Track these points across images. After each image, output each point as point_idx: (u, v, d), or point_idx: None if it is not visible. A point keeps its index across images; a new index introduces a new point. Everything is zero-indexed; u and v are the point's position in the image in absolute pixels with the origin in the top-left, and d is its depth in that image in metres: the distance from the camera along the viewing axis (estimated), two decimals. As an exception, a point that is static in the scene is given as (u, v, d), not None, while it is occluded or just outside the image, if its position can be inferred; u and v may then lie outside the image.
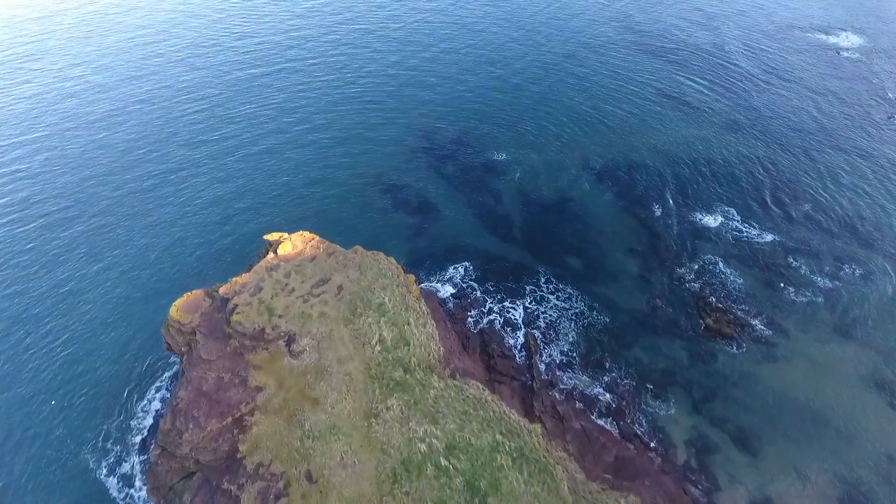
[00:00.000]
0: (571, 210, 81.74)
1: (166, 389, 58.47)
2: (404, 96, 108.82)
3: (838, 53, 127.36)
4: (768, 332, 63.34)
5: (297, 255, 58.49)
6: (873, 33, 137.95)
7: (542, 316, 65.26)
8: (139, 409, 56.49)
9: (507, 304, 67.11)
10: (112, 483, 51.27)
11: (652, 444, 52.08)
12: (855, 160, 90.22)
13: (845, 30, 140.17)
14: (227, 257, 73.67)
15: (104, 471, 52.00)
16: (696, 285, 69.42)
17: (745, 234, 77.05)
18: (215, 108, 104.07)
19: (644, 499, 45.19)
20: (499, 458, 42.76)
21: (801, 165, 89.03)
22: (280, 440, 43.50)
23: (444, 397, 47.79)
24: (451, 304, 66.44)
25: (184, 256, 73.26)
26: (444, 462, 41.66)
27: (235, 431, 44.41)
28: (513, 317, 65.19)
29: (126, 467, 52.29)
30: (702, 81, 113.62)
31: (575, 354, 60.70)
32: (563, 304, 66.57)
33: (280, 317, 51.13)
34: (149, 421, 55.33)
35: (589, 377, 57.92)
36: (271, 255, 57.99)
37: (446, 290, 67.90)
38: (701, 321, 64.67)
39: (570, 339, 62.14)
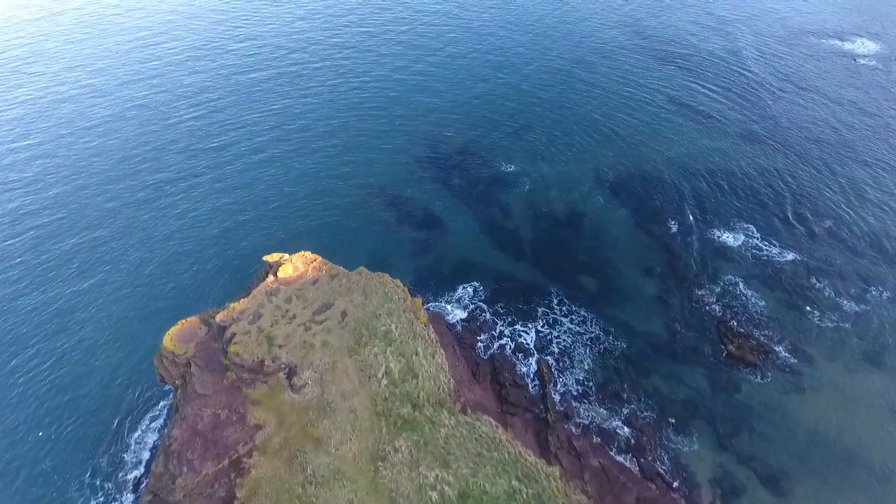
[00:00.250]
0: (583, 225, 78.94)
1: (162, 419, 55.60)
2: (410, 102, 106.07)
3: (854, 60, 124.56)
4: (793, 360, 60.51)
5: (298, 278, 55.68)
6: (889, 39, 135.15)
7: (555, 341, 62.44)
8: (132, 440, 53.68)
9: (518, 327, 64.31)
10: (100, 525, 48.58)
11: (675, 484, 49.26)
12: (879, 174, 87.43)
13: (860, 35, 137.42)
14: (225, 274, 70.91)
15: (92, 511, 49.29)
16: (716, 308, 66.60)
17: (765, 252, 74.24)
18: (214, 114, 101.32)
19: (670, 549, 42.43)
20: (516, 507, 40.00)
21: (822, 179, 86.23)
22: (280, 486, 40.66)
23: (455, 436, 44.97)
24: (459, 328, 63.63)
25: (180, 273, 70.45)
26: (457, 512, 38.88)
27: (233, 475, 41.58)
28: (524, 341, 62.38)
29: (116, 507, 49.55)
30: (715, 88, 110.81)
31: (591, 384, 57.86)
32: (578, 328, 63.75)
33: (280, 347, 48.31)
34: (144, 455, 52.50)
35: (606, 409, 55.09)
36: (271, 278, 55.15)
37: (455, 312, 65.11)
38: (722, 347, 61.83)
39: (586, 367, 59.32)
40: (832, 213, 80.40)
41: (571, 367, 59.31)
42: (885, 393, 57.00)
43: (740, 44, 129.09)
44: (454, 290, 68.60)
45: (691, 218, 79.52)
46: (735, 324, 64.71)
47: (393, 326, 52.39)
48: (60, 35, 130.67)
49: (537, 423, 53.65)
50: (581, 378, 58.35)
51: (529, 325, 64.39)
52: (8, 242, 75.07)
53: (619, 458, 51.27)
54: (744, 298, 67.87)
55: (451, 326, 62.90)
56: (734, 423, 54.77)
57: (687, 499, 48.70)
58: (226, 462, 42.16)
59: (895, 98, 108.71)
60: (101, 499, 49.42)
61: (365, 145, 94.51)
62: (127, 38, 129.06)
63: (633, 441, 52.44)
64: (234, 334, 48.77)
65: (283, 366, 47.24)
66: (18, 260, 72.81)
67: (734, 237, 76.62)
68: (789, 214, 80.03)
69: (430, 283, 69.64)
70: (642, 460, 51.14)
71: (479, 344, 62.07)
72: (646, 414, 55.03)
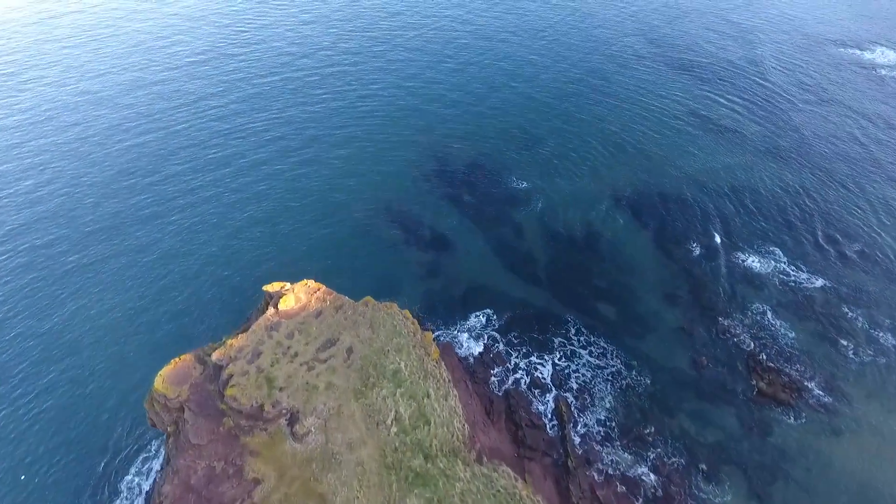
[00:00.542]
0: (600, 247, 75.97)
1: (156, 462, 52.47)
2: (417, 112, 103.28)
3: (875, 71, 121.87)
4: (828, 399, 57.43)
5: (300, 311, 52.64)
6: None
7: (573, 375, 59.36)
8: (123, 486, 50.67)
9: (533, 359, 61.28)
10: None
11: (707, 540, 46.10)
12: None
13: (879, 44, 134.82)
14: (223, 296, 67.83)
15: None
16: (744, 339, 63.53)
17: (793, 278, 71.22)
18: (215, 123, 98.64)
19: None
20: (540, 577, 36.86)
21: (850, 198, 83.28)
22: (281, 551, 37.55)
23: (471, 492, 41.85)
24: (471, 359, 60.53)
25: (175, 298, 67.42)
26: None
27: (228, 538, 38.45)
28: (541, 375, 59.30)
29: (102, 559, 46.44)
30: (735, 99, 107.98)
31: (613, 424, 54.76)
32: (597, 361, 60.66)
33: (281, 390, 45.25)
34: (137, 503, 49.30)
35: (631, 454, 51.96)
36: (271, 310, 52.10)
37: (466, 343, 62.07)
38: (752, 383, 58.72)
39: (607, 405, 56.21)
40: (863, 235, 77.38)
41: (592, 406, 56.20)
42: (929, 437, 53.91)
43: (758, 52, 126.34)
44: (465, 318, 65.54)
45: (714, 240, 76.51)
46: (764, 357, 61.64)
47: (402, 364, 49.36)
48: (57, 41, 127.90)
49: (557, 470, 50.57)
50: (602, 418, 55.25)
51: (546, 358, 61.32)
52: (-7, 261, 72.11)
53: (646, 510, 48.14)
54: (772, 329, 64.80)
55: (462, 359, 59.83)
56: (768, 469, 51.62)
57: (720, 556, 45.58)
58: (221, 522, 39.06)
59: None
60: (87, 555, 46.31)
61: (371, 157, 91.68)
62: (127, 42, 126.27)
63: (660, 491, 49.32)
64: (231, 375, 45.72)
65: (284, 411, 44.19)
66: (4, 280, 69.77)
67: (760, 261, 73.59)
68: (817, 236, 77.02)
69: (440, 310, 66.61)
70: (671, 512, 48.01)
71: (493, 378, 58.97)
72: (673, 459, 51.91)
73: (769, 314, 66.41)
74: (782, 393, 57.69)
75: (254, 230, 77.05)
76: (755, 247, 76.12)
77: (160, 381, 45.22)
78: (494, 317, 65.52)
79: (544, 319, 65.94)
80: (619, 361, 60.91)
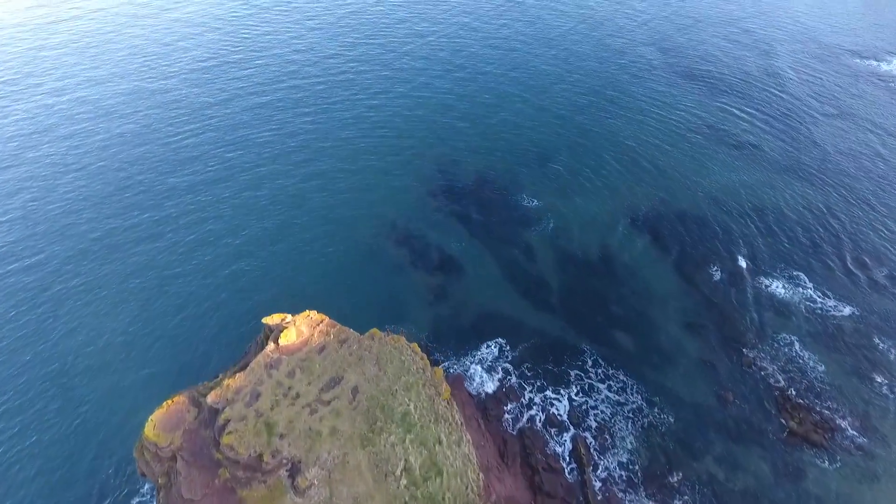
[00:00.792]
0: (615, 270, 73.27)
1: (141, 507, 49.61)
2: (424, 124, 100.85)
3: (895, 83, 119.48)
4: (863, 440, 54.65)
5: (302, 346, 49.88)
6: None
7: (591, 412, 56.56)
8: (107, 535, 47.60)
9: (549, 393, 58.49)
10: None
11: None
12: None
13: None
14: (222, 322, 64.95)
15: None
16: (771, 372, 60.77)
17: (819, 304, 68.52)
18: (214, 133, 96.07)
19: None
20: None
21: (878, 218, 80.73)
22: None
23: (488, 553, 38.97)
24: (483, 394, 57.72)
25: (170, 327, 64.59)
26: None
27: None
28: (557, 412, 56.51)
29: None
30: (752, 112, 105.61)
31: (636, 468, 51.93)
32: (617, 397, 57.87)
33: (282, 437, 42.43)
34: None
35: (656, 502, 49.01)
36: (271, 345, 49.33)
37: (478, 377, 59.26)
38: (782, 422, 55.89)
39: (629, 446, 53.39)
40: (892, 258, 74.81)
41: (613, 447, 53.38)
42: (974, 484, 51.10)
43: (774, 62, 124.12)
44: (476, 347, 62.76)
45: (736, 263, 73.88)
46: (794, 392, 58.87)
47: (412, 406, 46.62)
48: (54, 50, 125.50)
49: (577, 520, 47.69)
50: (625, 460, 52.44)
51: (562, 392, 58.53)
52: (-22, 283, 69.34)
53: (674, 566, 45.27)
54: (801, 361, 62.06)
55: (473, 395, 57.03)
56: (803, 519, 48.80)
57: None
58: (216, 590, 36.19)
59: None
60: None
61: (376, 171, 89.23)
62: (127, 49, 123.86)
63: (689, 544, 46.44)
64: (227, 420, 42.92)
65: (284, 461, 41.36)
66: (-12, 305, 67.04)
67: (784, 287, 70.91)
68: (844, 260, 74.40)
69: (450, 339, 63.84)
70: (701, 569, 45.13)
71: (506, 415, 56.12)
72: (701, 508, 49.06)
73: (797, 345, 63.67)
74: (814, 433, 54.91)
75: (254, 250, 74.35)
76: (779, 271, 73.45)
77: (151, 428, 42.40)
78: (507, 347, 62.74)
79: (559, 349, 63.20)
80: (639, 397, 58.12)
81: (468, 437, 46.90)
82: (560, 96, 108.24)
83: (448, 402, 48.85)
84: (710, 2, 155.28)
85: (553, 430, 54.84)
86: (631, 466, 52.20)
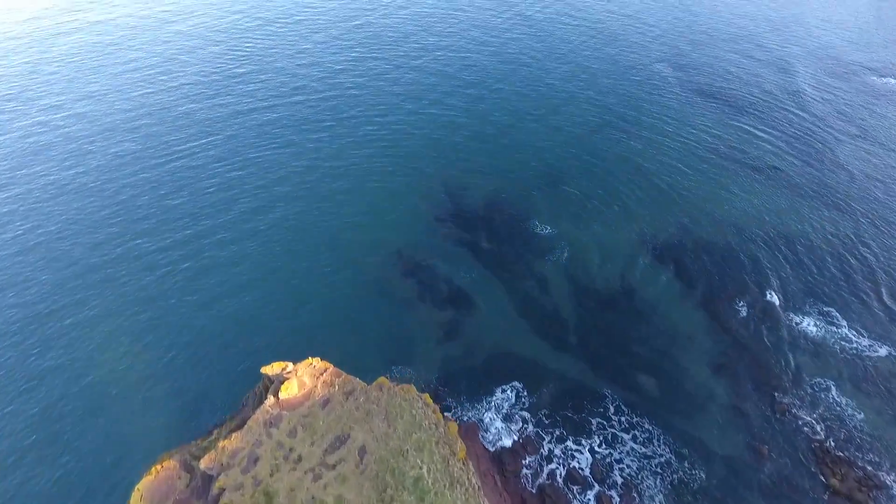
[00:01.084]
0: (634, 306, 70.01)
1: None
2: (430, 143, 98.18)
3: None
4: (912, 499, 51.00)
5: (305, 399, 46.58)
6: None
7: (616, 466, 53.06)
8: None
9: (569, 444, 55.02)
10: None
11: None
12: (976, 246, 78.85)
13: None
14: (219, 366, 61.58)
15: None
16: (807, 420, 57.34)
17: (854, 344, 65.18)
18: (211, 151, 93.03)
19: None
20: None
21: (910, 250, 77.60)
22: None
23: None
24: (499, 446, 54.26)
25: (160, 372, 61.18)
26: None
27: None
28: (579, 466, 53.00)
29: None
30: (772, 132, 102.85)
31: (667, 532, 48.31)
32: (643, 449, 54.38)
33: (283, 509, 38.94)
34: None
35: (691, 574, 45.45)
36: (271, 399, 46.02)
37: (493, 426, 55.82)
38: (823, 479, 52.34)
39: (658, 507, 49.83)
40: (928, 294, 71.53)
41: (640, 508, 49.80)
42: None
43: (792, 79, 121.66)
44: (490, 392, 59.35)
45: (763, 298, 70.63)
46: (833, 444, 55.39)
47: (425, 470, 43.18)
48: (49, 66, 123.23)
49: None
50: (653, 524, 48.84)
51: (583, 443, 55.05)
52: (-41, 319, 66.12)
53: None
54: (838, 409, 58.62)
55: (488, 447, 53.59)
56: (852, 593, 45.12)
57: None
58: None
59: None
60: None
61: (380, 193, 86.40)
62: (125, 64, 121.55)
63: None
64: (222, 489, 39.52)
65: (285, 538, 37.85)
66: (-30, 340, 63.80)
67: (816, 324, 67.59)
68: (880, 294, 71.20)
69: (461, 382, 60.47)
70: None
71: (525, 469, 52.63)
72: (740, 580, 45.42)
73: (833, 390, 60.26)
74: (859, 492, 51.37)
75: (253, 281, 71.24)
76: (809, 306, 70.19)
77: (137, 499, 38.97)
78: (524, 392, 59.32)
79: (579, 394, 59.81)
80: (667, 449, 54.62)
81: (486, 502, 43.42)
82: (573, 114, 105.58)
83: (464, 463, 45.43)
84: (723, 17, 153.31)
85: (576, 488, 51.34)
86: (661, 531, 48.66)
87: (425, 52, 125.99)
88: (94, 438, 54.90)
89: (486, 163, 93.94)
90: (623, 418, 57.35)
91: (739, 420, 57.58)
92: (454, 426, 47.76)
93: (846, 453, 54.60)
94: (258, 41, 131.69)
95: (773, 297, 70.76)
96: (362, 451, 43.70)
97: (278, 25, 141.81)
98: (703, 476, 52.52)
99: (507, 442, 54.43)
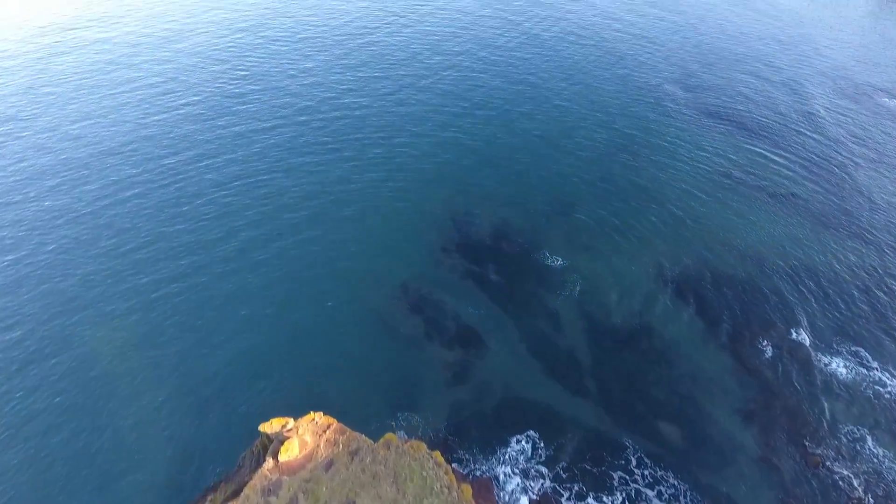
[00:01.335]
0: (653, 345, 66.62)
1: None
2: (434, 167, 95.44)
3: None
4: (962, 566, 47.16)
5: (306, 461, 43.02)
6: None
7: (641, 528, 49.21)
8: None
9: (590, 500, 51.35)
10: None
11: None
12: None
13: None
14: (214, 417, 57.97)
15: None
16: (843, 474, 53.76)
17: (888, 388, 61.75)
18: (208, 176, 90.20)
19: None
20: None
21: (940, 284, 74.30)
22: None
23: None
24: (513, 505, 50.54)
25: (149, 428, 57.61)
26: None
27: None
28: (600, 529, 49.16)
29: None
30: (788, 156, 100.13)
31: None
32: (669, 508, 50.59)
33: None
34: None
35: None
36: (270, 462, 42.45)
37: (510, 484, 52.09)
38: (864, 543, 48.56)
39: (689, 577, 45.96)
40: (962, 332, 68.12)
41: (669, 578, 45.96)
42: None
43: (806, 101, 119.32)
44: (505, 443, 55.75)
45: (788, 336, 67.24)
46: (871, 501, 51.59)
47: (437, 544, 39.48)
48: (50, 84, 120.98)
49: None
50: None
51: (605, 500, 51.43)
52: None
53: None
54: (875, 461, 54.99)
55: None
56: None
57: None
58: None
59: None
60: None
61: (384, 219, 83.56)
62: (120, 86, 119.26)
63: None
64: (215, 571, 35.78)
65: None
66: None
67: (845, 365, 64.13)
68: (909, 333, 67.74)
69: (473, 431, 56.91)
70: None
71: (541, 533, 48.83)
72: None
73: (869, 440, 56.66)
74: (904, 558, 47.50)
75: (250, 319, 67.90)
76: (837, 345, 66.79)
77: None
78: (540, 443, 55.68)
79: (598, 444, 56.19)
80: (695, 509, 50.90)
81: (504, 581, 39.67)
82: (582, 137, 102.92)
83: (479, 533, 41.79)
84: (731, 36, 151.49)
85: (598, 554, 47.53)
86: None
87: (431, 73, 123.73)
88: (82, 498, 51.23)
89: (493, 187, 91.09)
90: (646, 472, 53.70)
91: (770, 474, 53.92)
92: (468, 489, 44.11)
93: (888, 513, 50.86)
94: (261, 60, 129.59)
95: (800, 335, 67.36)
96: (368, 521, 40.07)
97: (281, 44, 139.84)
98: (736, 540, 48.76)
99: (525, 501, 50.69)
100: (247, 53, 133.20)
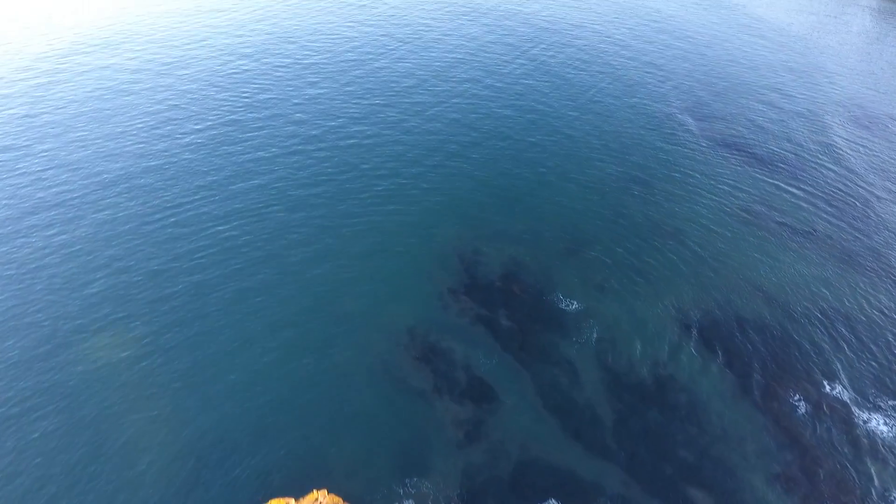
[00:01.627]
0: (678, 400, 62.38)
1: None
2: (439, 200, 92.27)
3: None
4: None
5: (306, 551, 38.53)
6: None
7: None
8: None
9: (615, 584, 46.35)
10: None
11: None
12: None
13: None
14: (194, 479, 53.57)
15: None
16: (893, 552, 48.77)
17: (935, 449, 56.99)
18: (206, 208, 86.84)
19: None
20: None
21: (980, 332, 70.06)
22: None
23: None
24: (532, 589, 45.73)
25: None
26: None
27: None
28: None
29: None
30: (808, 189, 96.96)
31: None
32: None
33: None
34: None
35: None
36: (266, 553, 37.99)
37: (525, 565, 47.26)
38: None
39: None
40: None
41: None
42: None
43: (822, 132, 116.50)
44: (521, 515, 51.09)
45: (822, 390, 63.00)
46: (928, 585, 46.77)
47: None
48: (46, 112, 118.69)
49: None
50: None
51: (632, 584, 46.44)
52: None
53: None
54: (929, 536, 50.16)
55: None
56: None
57: None
58: None
59: None
60: None
61: (387, 259, 80.00)
62: (120, 115, 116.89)
63: None
64: None
65: None
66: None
67: (887, 423, 59.74)
68: (952, 387, 63.36)
69: (487, 500, 52.43)
70: None
71: None
72: None
73: (920, 512, 51.92)
74: None
75: (243, 372, 63.80)
76: (873, 398, 62.48)
77: None
78: (560, 516, 51.07)
79: (623, 516, 51.52)
80: None
81: None
82: (595, 170, 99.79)
83: None
84: (742, 65, 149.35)
85: None
86: None
87: (438, 101, 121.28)
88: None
89: (503, 223, 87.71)
90: (677, 549, 48.96)
91: (815, 552, 49.16)
92: (484, 582, 39.53)
93: None
94: (265, 87, 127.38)
95: (835, 389, 63.10)
96: None
97: (286, 70, 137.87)
98: None
99: (544, 586, 45.99)
100: (250, 81, 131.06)
